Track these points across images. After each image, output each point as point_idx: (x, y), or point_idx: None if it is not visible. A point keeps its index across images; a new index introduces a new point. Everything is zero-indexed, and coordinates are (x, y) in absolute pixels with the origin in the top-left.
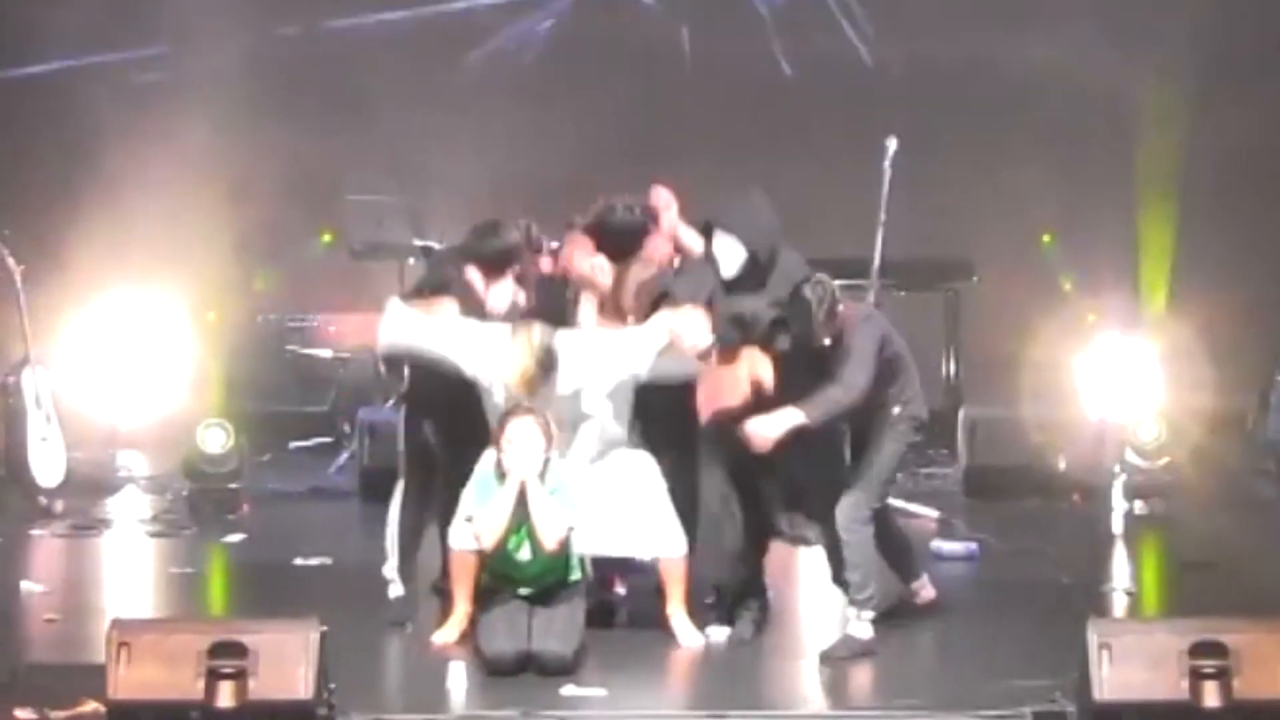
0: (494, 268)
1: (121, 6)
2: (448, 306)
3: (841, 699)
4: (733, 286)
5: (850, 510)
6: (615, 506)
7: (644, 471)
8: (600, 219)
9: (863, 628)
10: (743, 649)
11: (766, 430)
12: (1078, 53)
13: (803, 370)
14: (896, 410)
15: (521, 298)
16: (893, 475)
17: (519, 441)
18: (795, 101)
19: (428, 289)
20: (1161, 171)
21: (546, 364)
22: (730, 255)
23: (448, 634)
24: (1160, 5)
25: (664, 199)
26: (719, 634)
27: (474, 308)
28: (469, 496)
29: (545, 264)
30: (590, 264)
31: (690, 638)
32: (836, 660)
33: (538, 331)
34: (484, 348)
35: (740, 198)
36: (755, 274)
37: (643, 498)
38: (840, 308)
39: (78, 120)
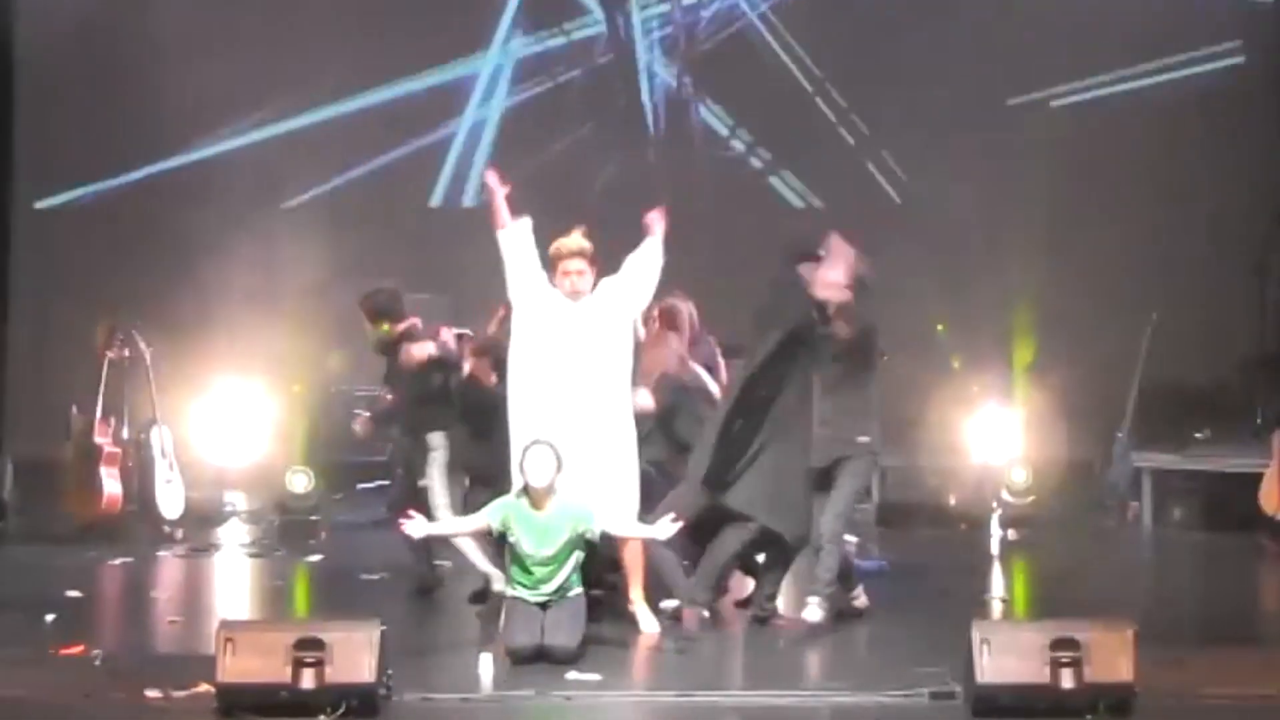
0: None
1: (218, 160)
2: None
3: (781, 683)
4: None
5: (836, 527)
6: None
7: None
8: None
9: (815, 613)
10: (708, 643)
11: None
12: (959, 190)
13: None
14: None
15: None
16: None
17: (536, 462)
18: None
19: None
20: (1028, 280)
21: None
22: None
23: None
24: (1025, 158)
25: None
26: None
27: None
28: (488, 509)
29: None
30: None
31: (649, 624)
32: (794, 637)
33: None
34: None
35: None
36: None
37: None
38: None
39: (193, 239)
